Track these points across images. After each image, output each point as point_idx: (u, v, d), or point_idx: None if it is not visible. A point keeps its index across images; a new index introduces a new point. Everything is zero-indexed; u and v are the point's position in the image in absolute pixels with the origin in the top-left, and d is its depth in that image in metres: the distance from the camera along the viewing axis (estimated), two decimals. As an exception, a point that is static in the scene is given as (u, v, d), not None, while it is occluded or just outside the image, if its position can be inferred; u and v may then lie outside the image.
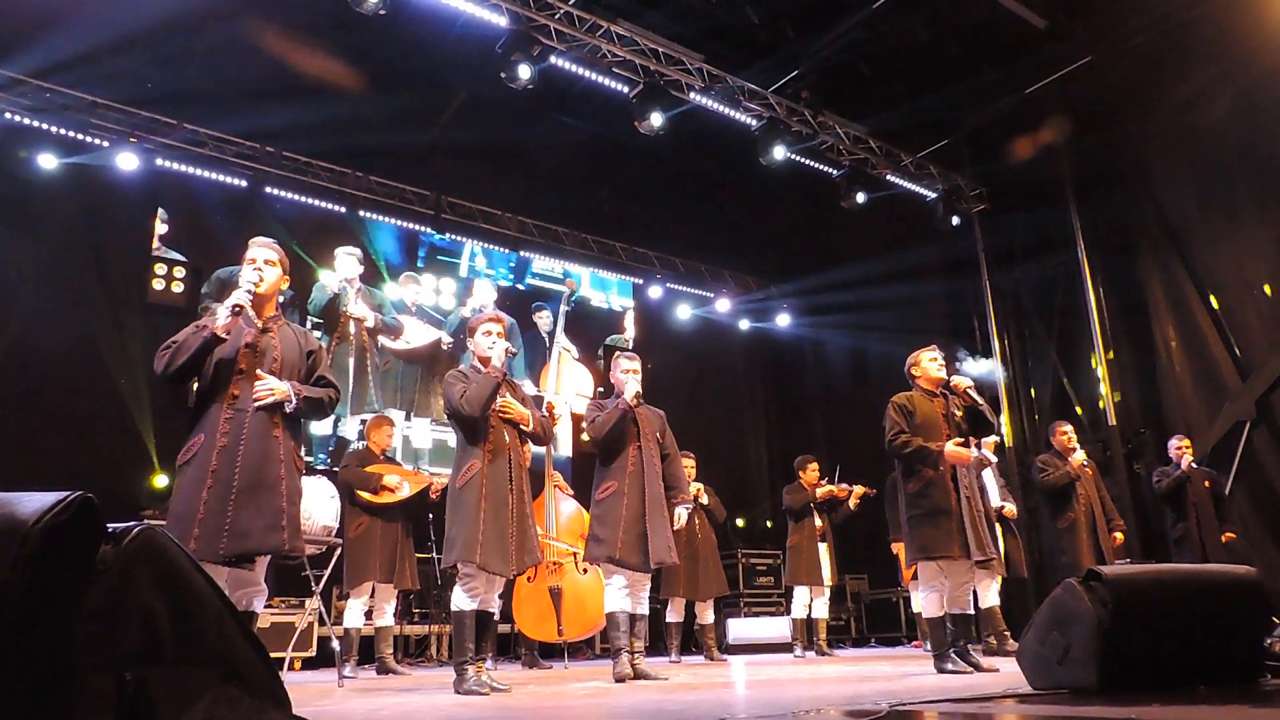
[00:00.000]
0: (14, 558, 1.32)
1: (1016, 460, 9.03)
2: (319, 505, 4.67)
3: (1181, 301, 8.11)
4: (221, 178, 8.42)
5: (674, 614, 6.95)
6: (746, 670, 5.33)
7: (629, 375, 4.67)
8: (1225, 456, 7.55)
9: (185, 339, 3.16)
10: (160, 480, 7.40)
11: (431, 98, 8.71)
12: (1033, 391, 9.48)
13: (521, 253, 10.47)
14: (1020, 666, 2.94)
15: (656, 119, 7.57)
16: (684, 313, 11.65)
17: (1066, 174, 8.93)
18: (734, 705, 2.85)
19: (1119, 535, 6.35)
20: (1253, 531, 7.36)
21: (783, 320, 12.02)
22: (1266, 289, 7.47)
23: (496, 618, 4.09)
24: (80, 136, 7.67)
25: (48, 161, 7.48)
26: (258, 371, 3.22)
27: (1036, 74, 8.46)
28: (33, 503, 1.39)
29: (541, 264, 10.73)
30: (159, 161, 8.03)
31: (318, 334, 8.69)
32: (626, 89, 7.71)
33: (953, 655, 4.20)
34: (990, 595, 5.98)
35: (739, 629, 8.52)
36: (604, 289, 11.33)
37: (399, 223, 9.61)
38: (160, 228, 8.11)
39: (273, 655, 1.76)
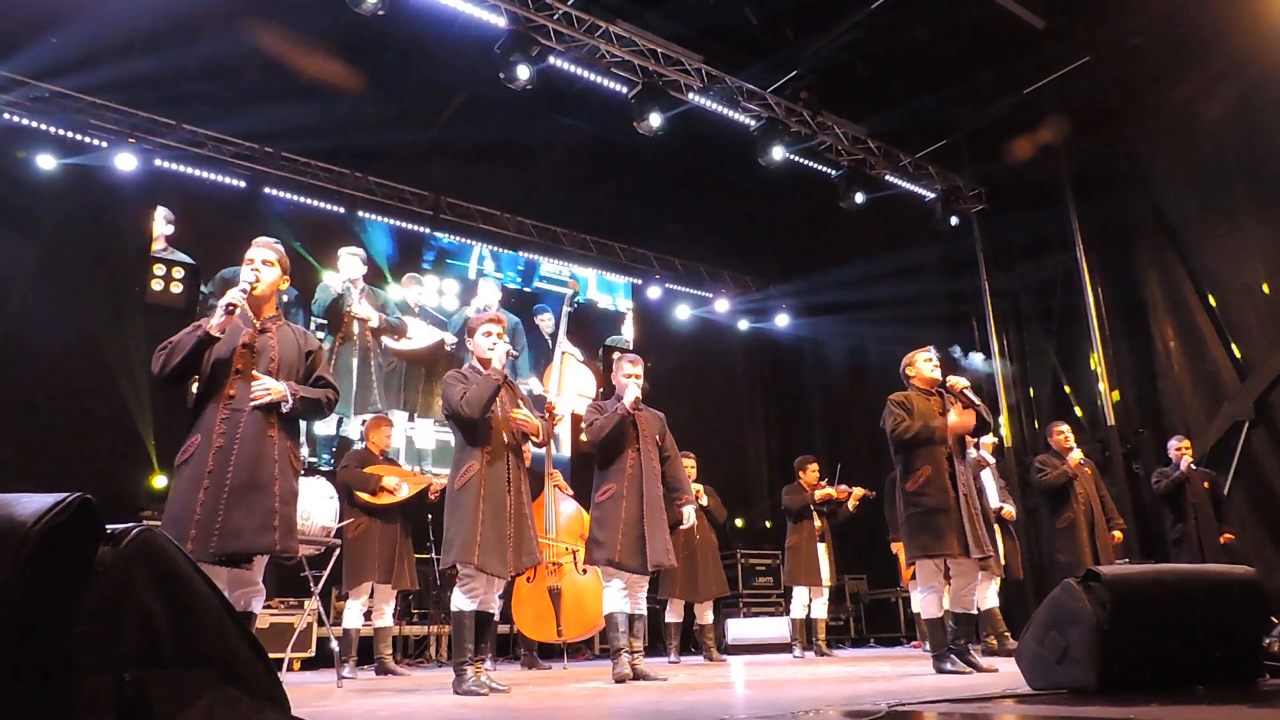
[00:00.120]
0: (12, 559, 1.31)
1: (1015, 461, 9.03)
2: (318, 506, 4.67)
3: (1180, 301, 8.11)
4: (220, 178, 8.42)
5: (673, 614, 6.94)
6: (745, 670, 5.33)
7: (630, 380, 4.66)
8: (1224, 457, 7.55)
9: (180, 339, 3.15)
10: (159, 481, 7.40)
11: (430, 98, 8.72)
12: (1031, 392, 9.48)
13: (528, 255, 10.51)
14: (1019, 667, 2.94)
15: (655, 119, 7.57)
16: (683, 313, 11.65)
17: (1065, 174, 8.94)
18: (733, 706, 2.85)
19: (1118, 534, 6.35)
20: (1251, 532, 7.36)
21: (782, 320, 12.02)
22: (1265, 288, 7.47)
23: (496, 618, 4.09)
24: (79, 137, 7.67)
25: (46, 162, 7.48)
26: (254, 372, 3.21)
27: (1035, 74, 8.47)
28: (31, 504, 1.39)
29: (549, 267, 10.75)
30: (158, 162, 8.03)
31: (321, 334, 8.71)
32: (625, 89, 7.71)
33: (951, 655, 4.20)
34: (990, 596, 5.98)
35: (738, 629, 8.52)
36: (611, 292, 11.35)
37: (401, 224, 9.61)
38: (166, 229, 8.10)
39: (272, 656, 1.76)
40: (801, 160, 9.06)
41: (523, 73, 6.90)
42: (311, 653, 6.85)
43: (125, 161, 7.73)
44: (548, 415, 4.39)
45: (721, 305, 11.90)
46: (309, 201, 8.92)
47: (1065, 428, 6.46)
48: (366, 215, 9.30)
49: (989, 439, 6.68)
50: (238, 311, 3.21)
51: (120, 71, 7.39)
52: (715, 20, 8.01)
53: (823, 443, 10.82)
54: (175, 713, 1.42)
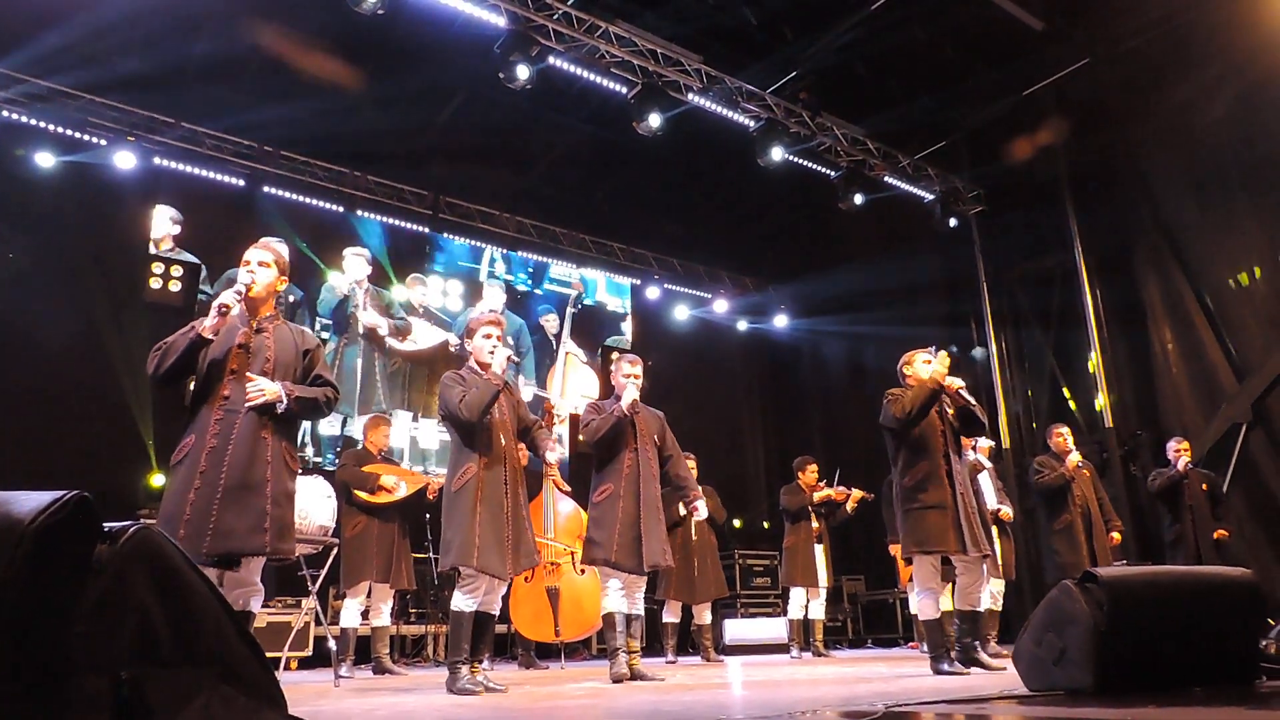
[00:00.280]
0: (9, 557, 1.31)
1: (1014, 462, 9.04)
2: (315, 505, 4.66)
3: (1178, 303, 8.13)
4: (219, 176, 8.41)
5: (670, 615, 6.94)
6: (743, 671, 5.33)
7: (629, 380, 4.66)
8: (1221, 458, 7.56)
9: (174, 340, 3.15)
10: (157, 480, 7.39)
11: (430, 98, 8.71)
12: (1029, 393, 9.49)
13: (537, 257, 10.54)
14: (1016, 668, 2.95)
15: (655, 119, 7.57)
16: (682, 313, 11.65)
17: (1064, 175, 8.95)
18: (730, 706, 2.85)
19: (1116, 535, 6.36)
20: (1248, 533, 7.37)
21: (780, 321, 12.02)
22: (1243, 278, 7.50)
23: (495, 619, 4.09)
24: (78, 135, 7.66)
25: (45, 160, 7.46)
26: (248, 373, 3.20)
27: (1034, 75, 8.48)
28: (28, 502, 1.38)
29: (559, 269, 10.78)
30: (157, 160, 8.02)
31: (326, 334, 8.73)
32: (625, 89, 7.71)
33: (949, 656, 4.21)
34: (984, 599, 5.98)
35: (736, 630, 8.52)
36: (619, 294, 11.39)
37: (401, 223, 9.60)
38: (172, 228, 8.09)
39: (269, 655, 1.76)
40: (801, 161, 9.07)
41: (522, 72, 6.90)
42: (309, 652, 6.84)
43: (124, 160, 7.72)
44: (546, 415, 4.40)
45: (720, 306, 11.90)
46: (308, 200, 8.92)
47: (1065, 430, 6.46)
48: (366, 215, 9.30)
49: (986, 442, 6.68)
50: (233, 313, 3.20)
51: (119, 69, 7.38)
52: (715, 21, 8.02)
53: (821, 443, 10.82)
54: (172, 711, 1.42)
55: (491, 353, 4.04)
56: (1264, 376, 7.39)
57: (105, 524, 1.49)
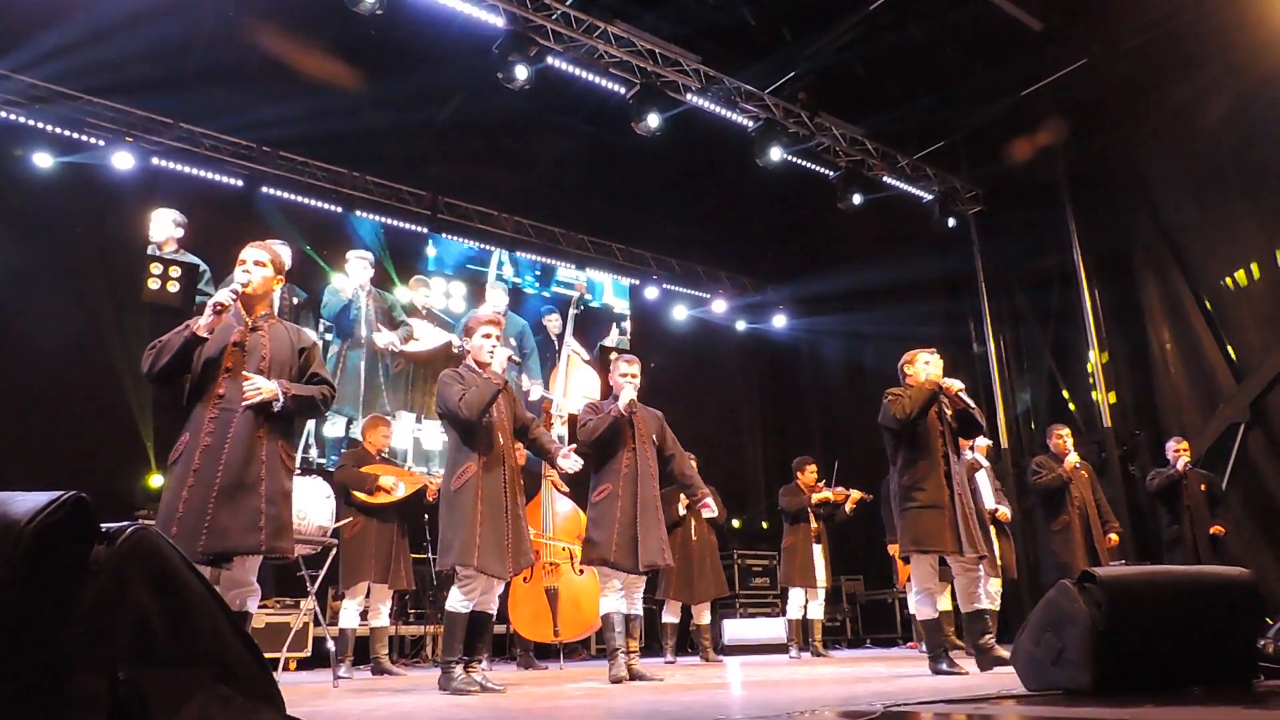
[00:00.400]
0: (6, 557, 1.31)
1: (1012, 462, 9.04)
2: (314, 505, 4.66)
3: (1176, 303, 8.13)
4: (218, 177, 8.40)
5: (670, 615, 6.95)
6: (742, 671, 5.33)
7: (626, 380, 4.66)
8: (1220, 458, 7.57)
9: (169, 339, 3.14)
10: (156, 480, 7.38)
11: (428, 98, 8.71)
12: (1028, 393, 9.49)
13: (545, 260, 10.60)
14: (1015, 668, 2.95)
15: (653, 120, 7.57)
16: (680, 313, 11.65)
17: (1062, 176, 8.95)
18: (729, 706, 2.85)
19: (1114, 537, 6.36)
20: (1246, 533, 7.38)
21: (779, 321, 12.02)
22: (1240, 278, 7.51)
23: (493, 619, 4.08)
24: (76, 135, 7.65)
25: (43, 160, 7.46)
26: (244, 371, 3.19)
27: (1033, 76, 8.49)
28: (26, 502, 1.38)
29: (566, 272, 10.82)
30: (155, 160, 8.02)
31: (329, 336, 8.73)
32: (623, 89, 7.71)
33: (948, 656, 4.22)
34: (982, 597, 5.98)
35: (734, 630, 8.52)
36: (620, 295, 11.41)
37: (399, 224, 9.60)
38: (176, 231, 8.07)
39: (268, 655, 1.76)
40: (799, 161, 9.07)
41: (521, 73, 6.90)
42: (308, 652, 6.84)
43: (122, 160, 7.71)
44: (544, 416, 4.41)
45: (719, 306, 11.90)
46: (307, 201, 8.91)
47: (1066, 431, 6.47)
48: (364, 215, 9.29)
49: (984, 441, 6.68)
50: (228, 311, 3.20)
51: (117, 69, 7.38)
52: (713, 21, 8.02)
53: (820, 444, 10.82)
54: (170, 711, 1.42)
55: (490, 352, 4.05)
56: (1262, 376, 7.40)
57: (103, 524, 1.49)
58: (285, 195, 8.78)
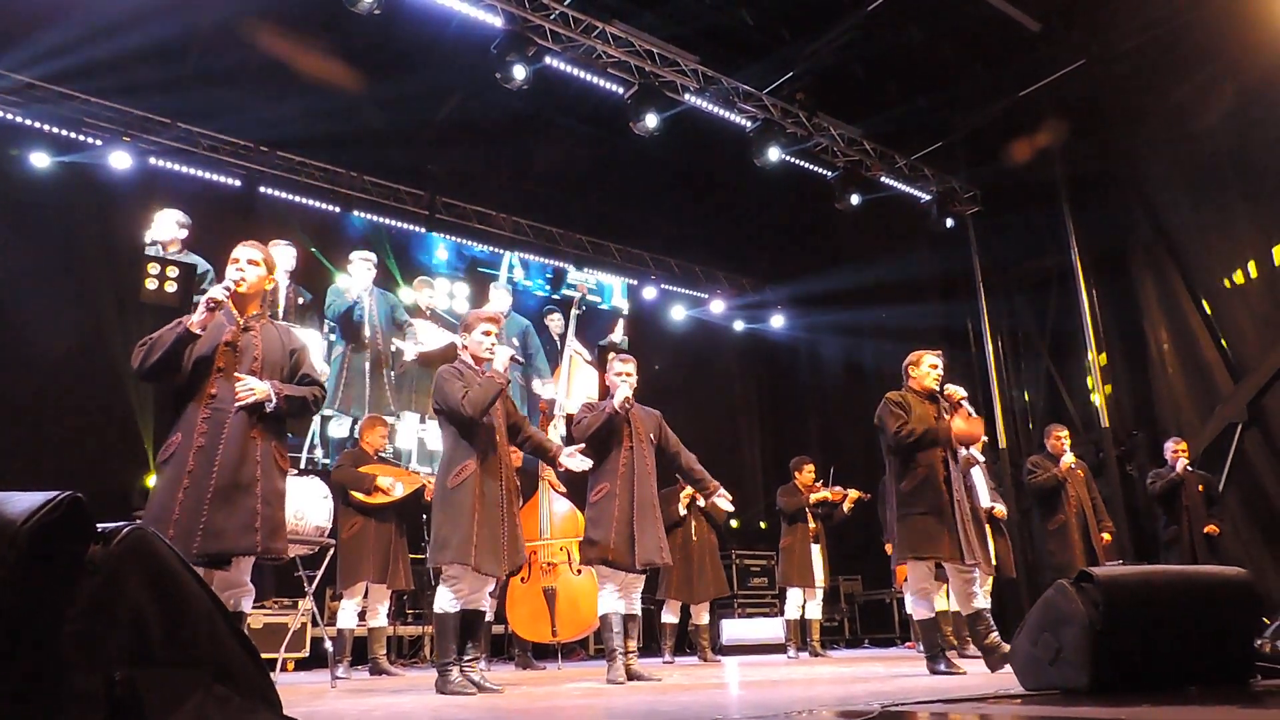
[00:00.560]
0: (2, 557, 1.31)
1: (1010, 462, 9.05)
2: (312, 506, 4.66)
3: (1174, 303, 8.14)
4: (216, 177, 8.39)
5: (669, 615, 6.95)
6: (740, 671, 5.33)
7: (621, 378, 4.66)
8: (1217, 458, 7.58)
9: (160, 335, 3.12)
10: (154, 480, 7.37)
11: (426, 98, 8.70)
12: (1026, 393, 9.50)
13: (555, 263, 10.64)
14: (1012, 667, 2.95)
15: (651, 120, 7.57)
16: (678, 314, 11.65)
17: (1060, 176, 8.96)
18: (727, 706, 2.85)
19: (1107, 536, 6.37)
20: (1243, 533, 7.39)
21: (777, 321, 12.02)
22: (1238, 277, 7.53)
23: (490, 618, 4.08)
24: (73, 135, 7.63)
25: (40, 160, 7.44)
26: (236, 372, 3.19)
27: (1031, 77, 8.49)
28: (22, 502, 1.38)
29: (577, 275, 10.87)
30: (153, 161, 8.00)
31: (334, 337, 8.74)
32: (621, 90, 7.71)
33: (945, 656, 4.22)
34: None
35: (733, 630, 8.52)
36: (626, 297, 11.41)
37: (397, 223, 9.60)
38: (179, 232, 8.05)
39: (266, 656, 1.76)
40: (797, 161, 9.07)
41: (519, 73, 6.89)
42: (306, 653, 6.83)
43: (120, 160, 7.70)
44: (542, 417, 4.41)
45: (717, 306, 11.90)
46: (305, 201, 8.90)
47: (1064, 432, 6.47)
48: (362, 215, 9.29)
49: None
50: (221, 308, 3.20)
51: (115, 69, 7.36)
52: (712, 21, 8.02)
53: (817, 444, 10.82)
54: (166, 711, 1.41)
55: (489, 349, 4.04)
56: (1260, 376, 7.41)
57: (99, 524, 1.49)
58: (283, 195, 8.77)
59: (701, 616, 7.00)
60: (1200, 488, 6.84)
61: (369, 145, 8.88)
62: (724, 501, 4.88)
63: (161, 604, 1.49)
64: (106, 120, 7.79)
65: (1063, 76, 8.35)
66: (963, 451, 4.43)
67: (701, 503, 6.93)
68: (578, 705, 3.10)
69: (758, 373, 12.76)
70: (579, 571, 6.11)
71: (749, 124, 8.31)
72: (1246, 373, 7.54)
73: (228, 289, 3.22)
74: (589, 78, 7.66)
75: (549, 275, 10.69)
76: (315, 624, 6.30)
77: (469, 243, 10.05)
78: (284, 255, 8.54)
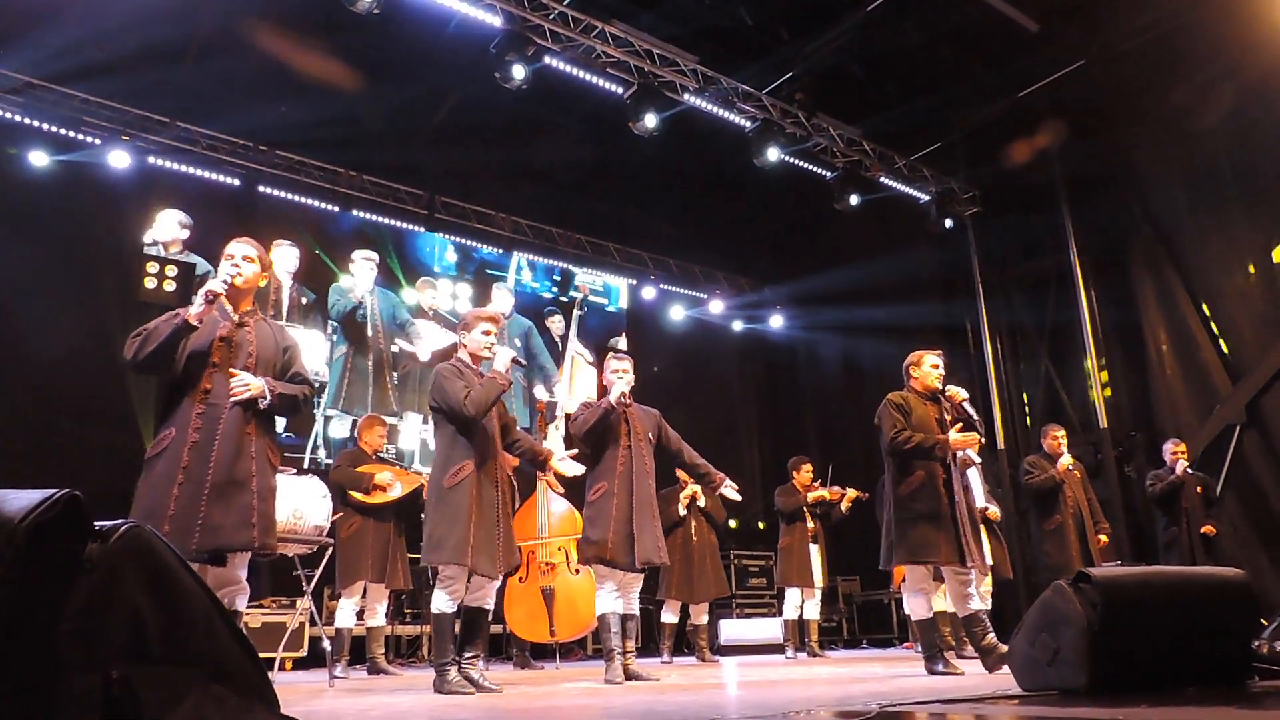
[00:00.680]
0: None
1: (1008, 462, 9.05)
2: (310, 505, 4.65)
3: (1173, 305, 8.14)
4: (215, 176, 8.39)
5: (669, 615, 6.94)
6: (738, 671, 5.33)
7: (617, 376, 4.66)
8: (1215, 459, 7.58)
9: (156, 326, 3.11)
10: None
11: (425, 97, 8.70)
12: (1024, 394, 9.50)
13: (563, 264, 10.68)
14: (1010, 668, 2.95)
15: (650, 120, 7.57)
16: (677, 314, 11.65)
17: (1059, 177, 8.96)
18: (725, 706, 2.85)
19: (1103, 537, 6.36)
20: (1241, 534, 7.39)
21: (776, 322, 12.03)
22: (1237, 278, 7.56)
23: (490, 617, 4.07)
24: (71, 134, 7.63)
25: (38, 159, 7.44)
26: (231, 368, 3.19)
27: (1029, 78, 8.49)
28: (19, 500, 1.38)
29: (585, 277, 10.90)
30: (151, 160, 8.00)
31: (336, 337, 8.74)
32: (621, 89, 7.71)
33: (943, 656, 4.22)
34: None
35: (731, 630, 8.52)
36: (625, 297, 11.42)
37: (396, 223, 9.59)
38: (181, 233, 8.04)
39: (264, 655, 1.76)
40: (796, 162, 9.06)
41: (518, 72, 6.89)
42: (303, 652, 6.83)
43: (118, 159, 7.70)
44: (540, 417, 4.41)
45: (716, 306, 11.90)
46: (304, 200, 8.89)
47: (1061, 432, 6.46)
48: (361, 214, 9.28)
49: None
50: (217, 302, 3.20)
51: (114, 68, 7.35)
52: (711, 21, 8.01)
53: (816, 444, 10.83)
54: (163, 710, 1.41)
55: (489, 349, 4.04)
56: (1258, 377, 7.41)
57: (97, 522, 1.49)
58: (282, 194, 8.76)
59: (700, 617, 7.00)
60: (1199, 489, 6.84)
61: (368, 145, 8.88)
62: (731, 491, 4.85)
63: (159, 602, 1.48)
64: (106, 119, 7.78)
65: (1062, 77, 8.35)
66: (960, 452, 4.42)
67: (702, 502, 6.94)
68: (575, 705, 3.10)
69: (756, 373, 12.76)
70: (577, 571, 6.12)
71: (748, 124, 8.31)
72: (1245, 374, 7.54)
73: (225, 282, 3.22)
74: (588, 78, 7.66)
75: (556, 277, 10.72)
76: (313, 623, 6.30)
77: (475, 244, 10.07)
78: (287, 255, 8.54)
